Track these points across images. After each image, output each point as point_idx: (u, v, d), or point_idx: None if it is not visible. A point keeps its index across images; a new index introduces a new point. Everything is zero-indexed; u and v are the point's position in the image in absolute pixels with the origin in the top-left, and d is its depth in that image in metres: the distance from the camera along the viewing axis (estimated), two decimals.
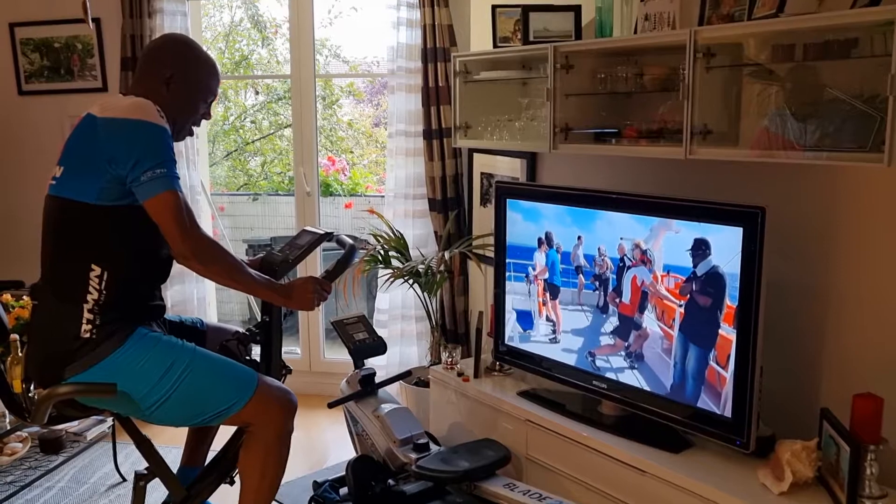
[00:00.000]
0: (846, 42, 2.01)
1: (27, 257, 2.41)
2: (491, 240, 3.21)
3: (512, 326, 2.97)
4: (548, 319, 2.83)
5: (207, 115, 2.32)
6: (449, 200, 3.78)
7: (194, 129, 2.32)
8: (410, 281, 3.63)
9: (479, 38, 3.65)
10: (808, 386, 2.41)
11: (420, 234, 3.89)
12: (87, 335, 2.04)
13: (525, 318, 2.93)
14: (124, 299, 2.10)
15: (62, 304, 2.06)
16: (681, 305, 2.35)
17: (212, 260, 2.09)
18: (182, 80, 2.18)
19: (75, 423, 3.28)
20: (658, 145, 2.51)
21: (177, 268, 2.26)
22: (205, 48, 2.32)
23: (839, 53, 2.03)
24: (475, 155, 3.78)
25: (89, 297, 2.04)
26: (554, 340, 2.81)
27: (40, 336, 2.11)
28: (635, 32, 2.63)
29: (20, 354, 2.82)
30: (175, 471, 2.35)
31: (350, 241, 2.49)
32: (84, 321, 2.03)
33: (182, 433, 2.51)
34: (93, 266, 2.04)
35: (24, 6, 4.28)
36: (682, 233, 2.32)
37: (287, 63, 4.41)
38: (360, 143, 7.57)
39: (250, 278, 2.19)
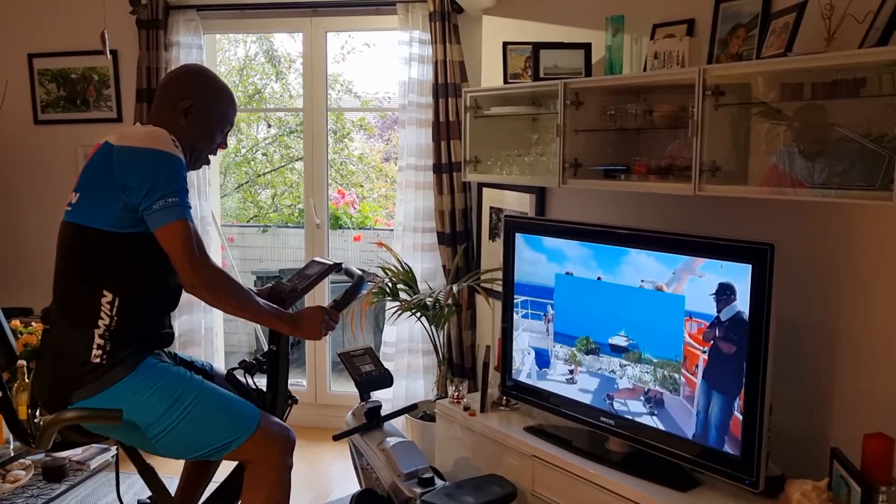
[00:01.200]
0: (854, 81, 2.02)
1: (38, 285, 2.43)
2: (499, 274, 3.21)
3: (530, 365, 2.94)
4: (566, 361, 2.81)
5: (224, 145, 2.35)
6: (458, 234, 3.80)
7: (210, 157, 2.34)
8: (418, 314, 3.63)
9: (489, 74, 3.69)
10: (818, 425, 2.38)
11: (428, 267, 3.90)
12: (98, 360, 2.04)
13: (541, 357, 2.90)
14: (135, 326, 2.10)
15: (73, 329, 2.06)
16: (704, 352, 2.33)
17: (220, 290, 2.09)
18: (200, 109, 2.20)
19: (79, 451, 3.27)
20: (667, 181, 2.52)
21: (185, 297, 2.26)
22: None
23: (847, 92, 2.04)
24: (484, 189, 3.80)
25: (101, 323, 2.05)
26: (571, 381, 2.77)
27: (50, 360, 2.12)
28: (644, 70, 2.66)
29: (27, 381, 2.82)
30: None
31: (358, 272, 2.50)
32: (95, 346, 2.04)
33: None
34: (105, 292, 2.05)
35: (43, 37, 4.35)
36: (706, 277, 2.31)
37: (300, 97, 4.46)
38: (370, 177, 7.62)
39: (258, 307, 2.19)
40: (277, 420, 2.30)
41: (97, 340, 2.04)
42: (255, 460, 2.19)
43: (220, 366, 4.28)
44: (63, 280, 2.12)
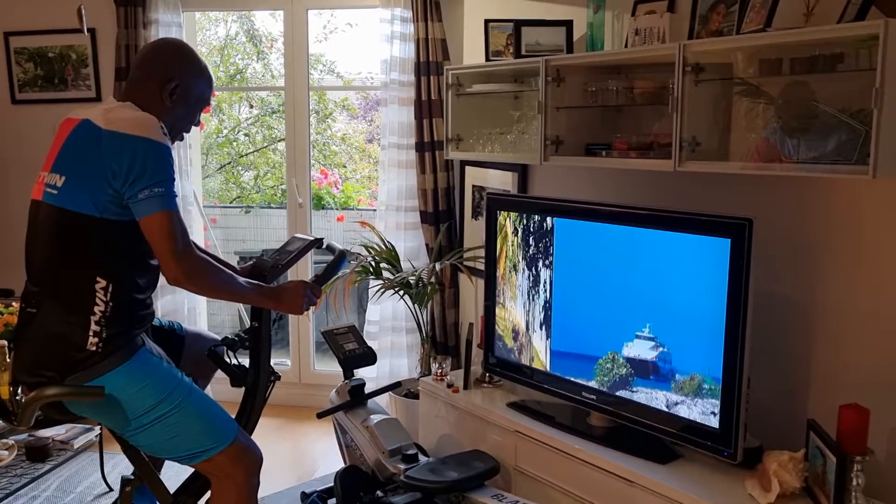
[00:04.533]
0: (832, 57, 2.03)
1: (18, 266, 2.39)
2: (481, 252, 3.22)
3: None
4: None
5: (198, 123, 2.33)
6: (440, 213, 3.80)
7: (184, 135, 2.32)
8: (401, 292, 3.63)
9: (471, 52, 3.69)
10: (795, 397, 2.42)
11: (411, 246, 3.90)
12: (94, 348, 2.02)
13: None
14: (127, 309, 2.09)
15: (69, 316, 2.02)
16: (673, 318, 2.36)
17: (202, 281, 2.09)
18: (184, 91, 2.17)
19: (62, 431, 3.26)
20: (648, 158, 2.53)
21: None
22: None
23: (825, 68, 2.06)
24: (467, 168, 3.80)
25: (96, 310, 2.02)
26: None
27: (41, 343, 2.06)
28: (626, 47, 2.66)
29: (8, 360, 2.81)
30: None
31: (339, 247, 2.50)
32: (91, 333, 2.02)
33: None
34: (98, 279, 2.03)
35: (19, 15, 4.29)
36: (675, 245, 2.34)
37: (281, 77, 4.43)
38: (353, 158, 7.59)
39: (240, 288, 2.20)
40: (250, 438, 2.29)
41: (93, 327, 2.02)
42: (222, 475, 2.17)
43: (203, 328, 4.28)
44: (51, 266, 2.06)
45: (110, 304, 2.04)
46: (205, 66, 2.26)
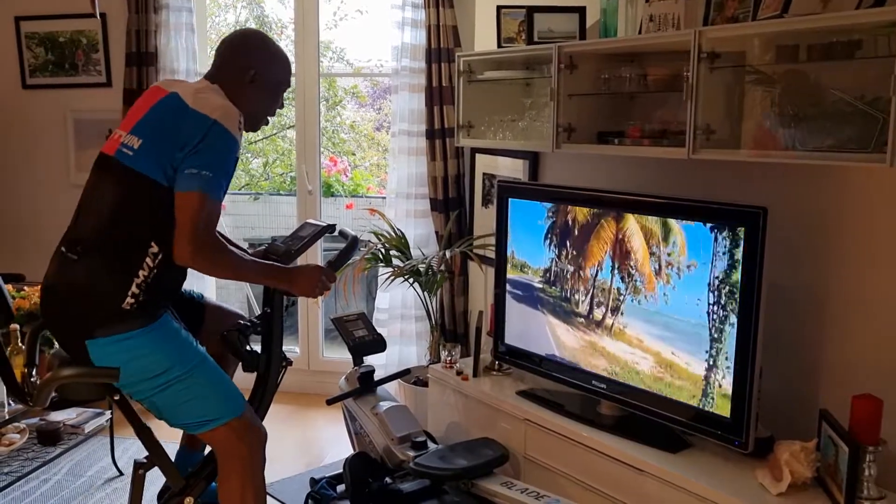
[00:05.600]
0: (850, 44, 2.01)
1: (28, 251, 2.41)
2: (491, 240, 3.21)
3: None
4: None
5: (282, 105, 2.41)
6: (450, 200, 3.79)
7: (269, 119, 2.41)
8: (411, 280, 3.63)
9: (483, 39, 3.66)
10: (807, 387, 2.41)
11: (421, 233, 3.89)
12: (128, 308, 2.08)
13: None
14: (166, 281, 2.16)
15: (113, 273, 2.08)
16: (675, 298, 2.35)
17: (211, 264, 2.14)
18: (263, 77, 2.27)
19: (73, 415, 3.28)
20: (661, 146, 2.52)
21: None
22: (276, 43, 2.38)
23: (843, 55, 2.03)
24: (477, 156, 3.78)
25: (141, 273, 2.09)
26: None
27: (77, 291, 2.11)
28: (640, 33, 2.64)
29: (20, 344, 2.82)
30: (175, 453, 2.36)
31: (352, 233, 2.50)
32: (130, 294, 2.08)
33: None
34: (153, 244, 2.09)
35: (30, 0, 4.29)
36: (687, 233, 2.32)
37: (291, 65, 4.42)
38: (361, 146, 7.57)
39: (251, 270, 2.25)
40: (256, 417, 2.32)
41: (133, 289, 2.08)
42: (228, 449, 2.20)
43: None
44: (109, 222, 2.10)
45: (154, 270, 2.10)
46: (282, 53, 2.36)
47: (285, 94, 2.41)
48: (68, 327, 2.13)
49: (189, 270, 2.23)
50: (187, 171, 2.03)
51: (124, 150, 2.11)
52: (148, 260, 2.09)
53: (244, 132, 2.26)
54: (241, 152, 2.19)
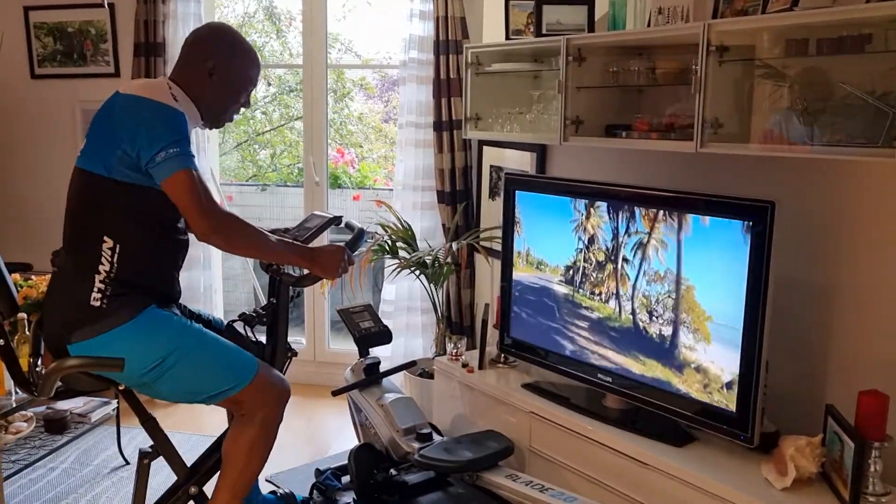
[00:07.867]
0: (860, 38, 2.00)
1: (36, 240, 2.42)
2: (498, 233, 3.21)
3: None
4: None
5: (247, 104, 2.35)
6: (458, 193, 3.79)
7: (234, 116, 2.36)
8: (417, 272, 3.63)
9: (491, 31, 3.65)
10: (813, 382, 2.40)
11: (428, 225, 3.89)
12: (97, 304, 2.07)
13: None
14: (137, 275, 2.13)
15: (76, 272, 2.10)
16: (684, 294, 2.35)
17: (233, 233, 2.11)
18: (224, 70, 2.22)
19: (80, 404, 3.30)
20: (669, 139, 2.51)
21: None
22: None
23: (853, 49, 2.02)
24: (485, 148, 3.78)
25: (101, 269, 2.08)
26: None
27: (56, 300, 2.16)
28: (648, 26, 2.62)
29: (27, 333, 2.83)
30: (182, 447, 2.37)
31: (359, 224, 2.50)
32: (95, 290, 2.07)
33: (187, 420, 2.51)
34: (105, 238, 2.08)
35: None
36: (695, 227, 2.32)
37: (299, 56, 4.41)
38: (369, 138, 7.57)
39: (274, 245, 2.21)
40: (275, 371, 2.33)
41: (97, 285, 2.08)
42: (250, 406, 2.22)
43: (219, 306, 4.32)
44: (69, 225, 2.16)
45: (115, 265, 2.09)
46: (246, 46, 2.29)
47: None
48: (53, 333, 2.14)
49: (185, 264, 2.23)
50: (157, 158, 1.98)
51: (79, 155, 2.14)
52: (105, 255, 2.08)
53: (206, 129, 2.28)
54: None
